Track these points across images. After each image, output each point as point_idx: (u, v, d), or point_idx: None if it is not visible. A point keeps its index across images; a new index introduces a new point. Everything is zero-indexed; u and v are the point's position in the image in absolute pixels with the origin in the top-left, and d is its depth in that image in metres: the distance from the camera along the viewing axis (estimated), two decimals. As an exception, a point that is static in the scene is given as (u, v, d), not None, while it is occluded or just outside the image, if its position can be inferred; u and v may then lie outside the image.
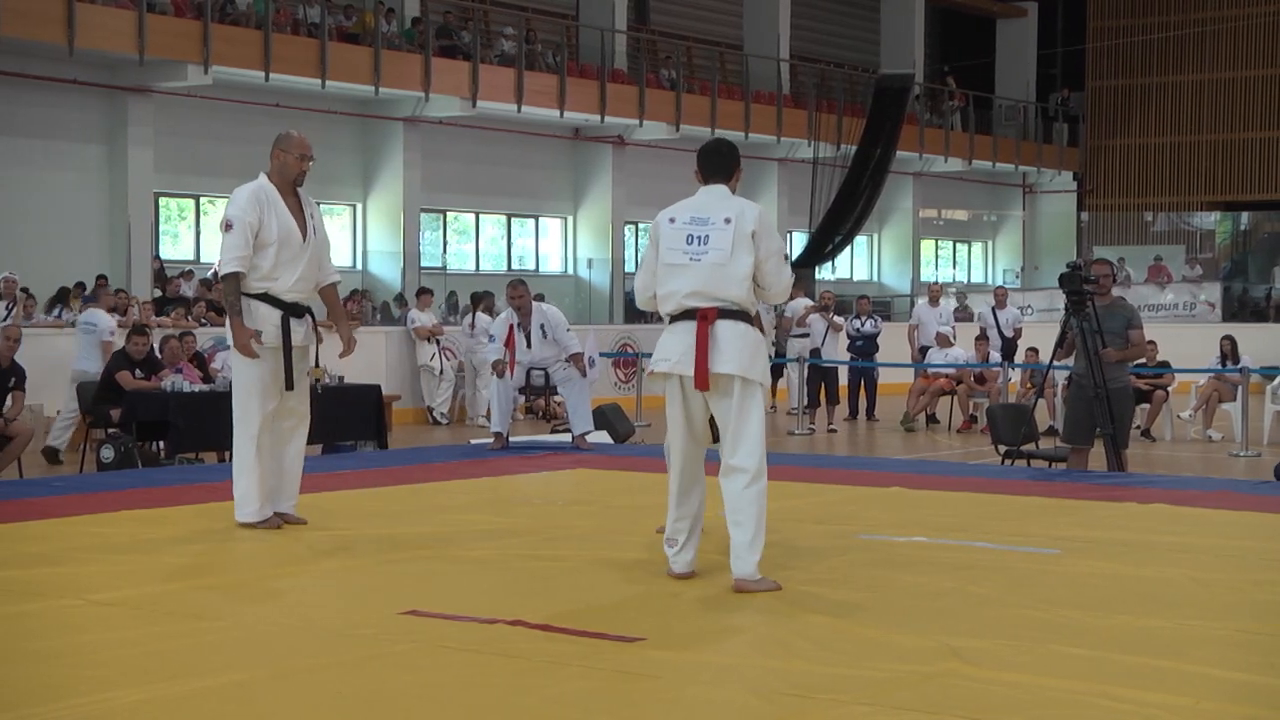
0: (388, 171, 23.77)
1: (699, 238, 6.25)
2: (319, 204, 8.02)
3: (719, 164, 6.45)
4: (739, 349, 6.17)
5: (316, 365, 7.80)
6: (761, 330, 6.38)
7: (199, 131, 21.29)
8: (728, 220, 6.24)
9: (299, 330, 7.68)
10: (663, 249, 6.33)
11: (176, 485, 9.73)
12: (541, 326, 12.34)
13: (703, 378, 6.16)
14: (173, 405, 12.73)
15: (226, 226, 7.50)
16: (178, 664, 4.98)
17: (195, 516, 8.26)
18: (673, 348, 6.28)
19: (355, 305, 20.05)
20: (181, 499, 8.98)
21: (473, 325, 19.32)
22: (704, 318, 6.17)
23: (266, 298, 7.59)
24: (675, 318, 6.31)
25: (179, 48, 19.80)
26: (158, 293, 19.40)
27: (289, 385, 7.64)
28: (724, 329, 6.18)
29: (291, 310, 7.62)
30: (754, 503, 6.17)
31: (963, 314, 25.37)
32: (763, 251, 6.24)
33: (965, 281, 35.89)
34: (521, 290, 12.47)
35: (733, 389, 6.19)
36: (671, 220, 6.35)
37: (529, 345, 12.30)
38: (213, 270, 19.96)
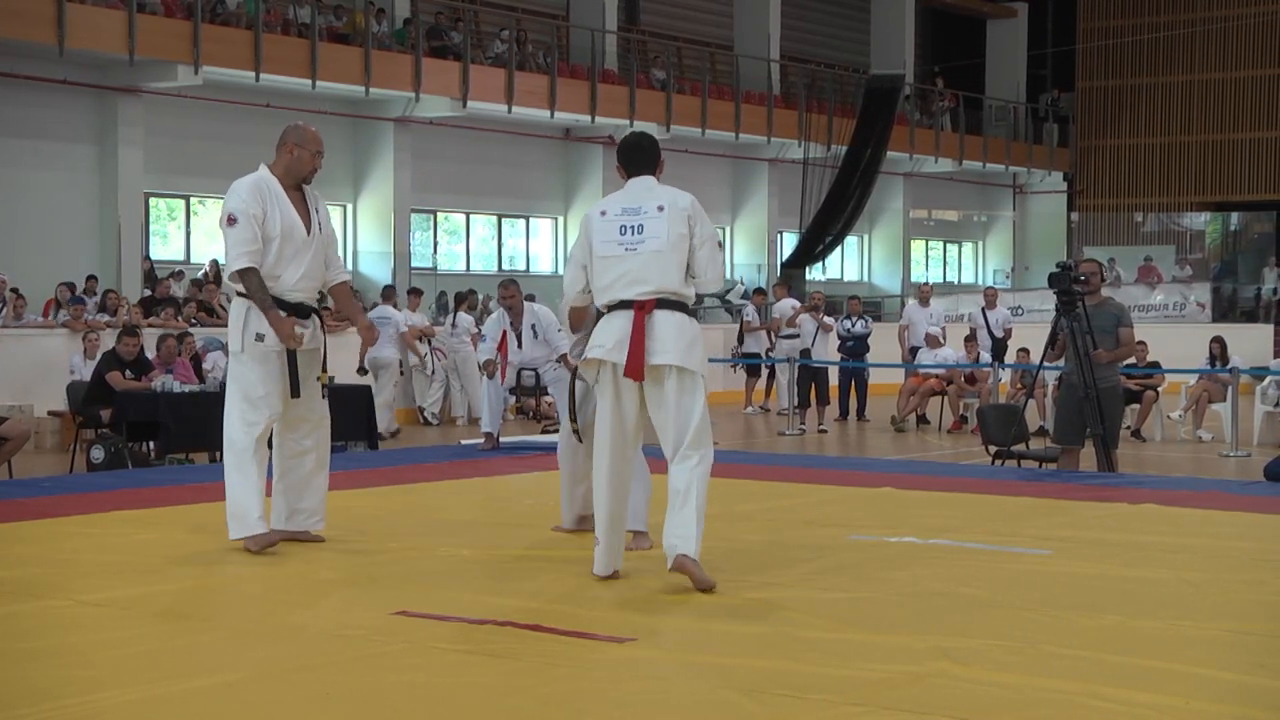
0: (378, 172, 23.77)
1: (632, 228, 6.21)
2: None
3: (642, 157, 6.42)
4: (676, 339, 6.11)
5: (324, 370, 7.28)
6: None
7: (189, 132, 21.26)
8: (660, 208, 6.20)
9: (303, 331, 7.17)
10: (596, 243, 6.27)
11: (167, 486, 9.72)
12: (533, 327, 12.35)
13: (636, 367, 6.09)
14: (163, 406, 12.72)
15: (230, 221, 7.04)
16: (168, 664, 4.98)
17: (185, 517, 8.25)
18: (607, 336, 6.20)
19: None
20: (172, 499, 8.98)
21: (454, 324, 19.35)
22: (641, 308, 6.12)
23: (270, 299, 7.15)
24: (611, 308, 6.24)
25: (169, 48, 19.78)
26: (147, 293, 19.36)
27: (294, 392, 7.11)
28: (661, 319, 6.13)
29: (295, 311, 7.14)
30: (701, 483, 6.11)
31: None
32: (697, 238, 6.20)
33: (955, 282, 35.93)
34: (513, 290, 12.48)
35: (669, 379, 6.12)
36: (602, 213, 6.31)
37: (520, 345, 12.31)
38: (205, 267, 19.98)
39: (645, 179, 6.35)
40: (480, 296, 21.17)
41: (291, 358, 7.08)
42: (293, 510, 7.29)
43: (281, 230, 7.07)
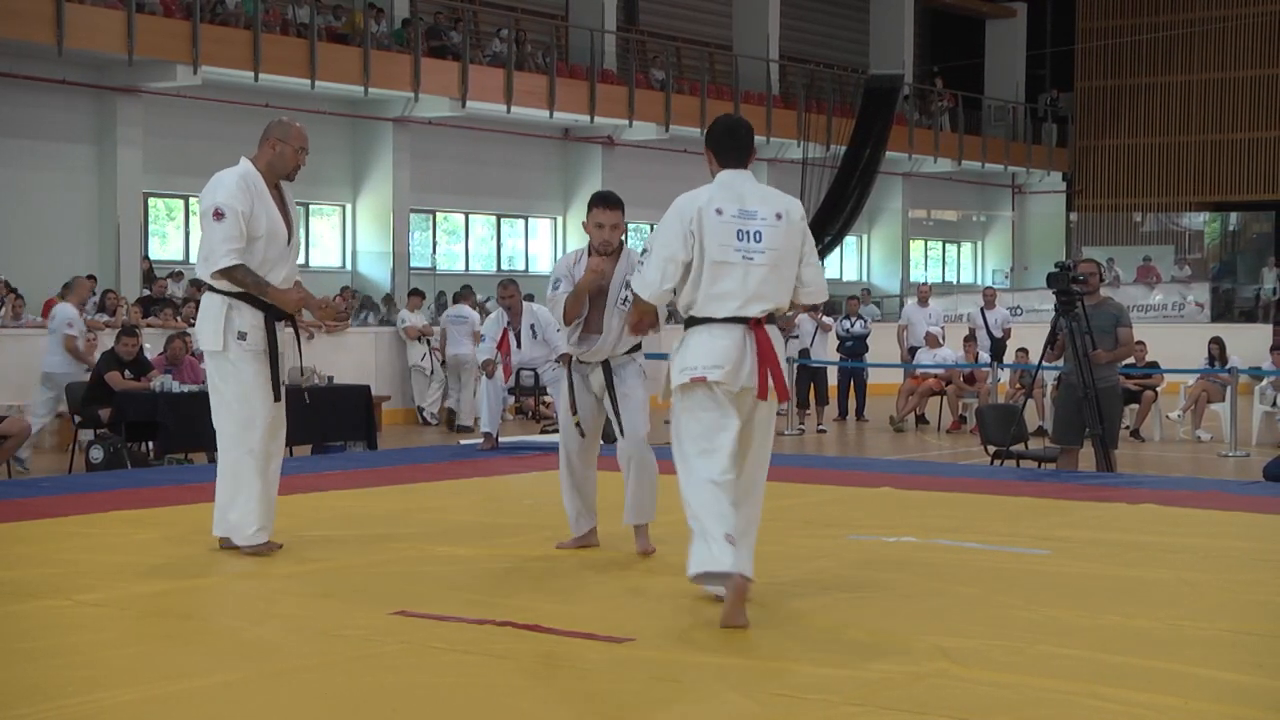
0: (377, 172, 23.75)
1: (750, 234, 5.64)
2: (305, 204, 7.83)
3: (738, 147, 5.87)
4: (782, 359, 5.77)
5: (301, 368, 7.34)
6: None
7: (188, 131, 21.24)
8: (779, 216, 5.70)
9: (282, 335, 7.07)
10: (711, 244, 5.61)
11: (165, 486, 9.72)
12: (531, 326, 12.40)
13: (778, 386, 5.67)
14: (162, 406, 12.72)
15: (217, 215, 6.72)
16: (166, 664, 4.98)
17: (184, 517, 8.24)
18: (717, 354, 5.60)
19: (343, 302, 19.99)
20: (170, 499, 8.98)
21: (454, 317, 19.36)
22: (758, 324, 5.64)
23: (250, 298, 6.88)
24: (712, 320, 5.66)
25: (168, 48, 19.76)
26: (145, 293, 19.35)
27: (277, 394, 6.93)
28: (775, 338, 5.73)
29: (275, 313, 6.94)
30: (757, 520, 5.80)
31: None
32: (807, 248, 5.81)
33: (955, 282, 35.93)
34: (512, 290, 12.53)
35: (762, 406, 5.72)
36: (718, 211, 5.65)
37: (519, 345, 12.34)
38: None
39: (742, 173, 5.79)
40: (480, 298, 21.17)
41: (274, 360, 6.90)
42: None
43: (267, 230, 6.82)
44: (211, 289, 6.93)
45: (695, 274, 5.63)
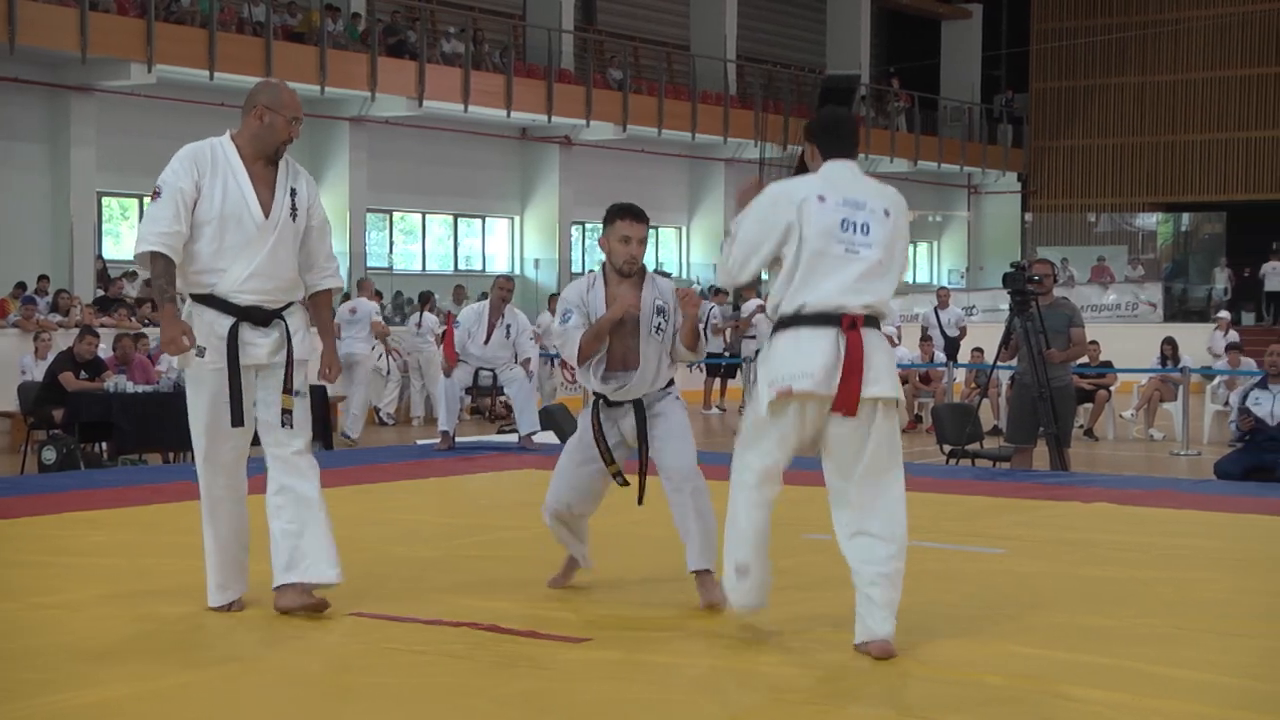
0: (333, 171, 23.66)
1: (857, 225, 5.09)
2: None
3: (845, 139, 5.29)
4: (888, 366, 5.13)
5: (288, 391, 5.62)
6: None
7: (143, 130, 21.10)
8: (887, 213, 5.16)
9: (260, 344, 5.60)
10: (811, 232, 5.03)
11: (120, 487, 9.65)
12: (508, 327, 12.49)
13: (851, 398, 5.00)
14: (116, 406, 12.64)
15: (154, 194, 5.60)
16: (122, 666, 4.95)
17: (139, 518, 8.20)
18: (810, 361, 5.01)
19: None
20: (125, 500, 8.92)
21: (419, 324, 19.37)
22: (853, 325, 5.03)
23: (210, 299, 5.59)
24: (807, 318, 5.07)
25: (122, 46, 19.64)
26: (100, 293, 19.23)
27: (235, 419, 5.58)
28: (873, 341, 5.08)
29: (247, 316, 5.59)
30: (897, 582, 5.11)
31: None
32: (903, 252, 5.30)
33: (911, 281, 36.06)
34: (511, 285, 12.80)
35: (875, 415, 5.09)
36: (821, 198, 5.08)
37: (487, 340, 12.38)
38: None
39: (850, 164, 5.24)
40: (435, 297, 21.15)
41: (234, 377, 5.57)
42: (290, 560, 5.67)
43: (223, 212, 5.56)
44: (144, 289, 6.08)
45: (790, 268, 5.08)
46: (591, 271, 6.29)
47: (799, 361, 5.01)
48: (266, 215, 5.60)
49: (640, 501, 6.18)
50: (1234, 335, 22.34)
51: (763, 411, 5.12)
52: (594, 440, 6.09)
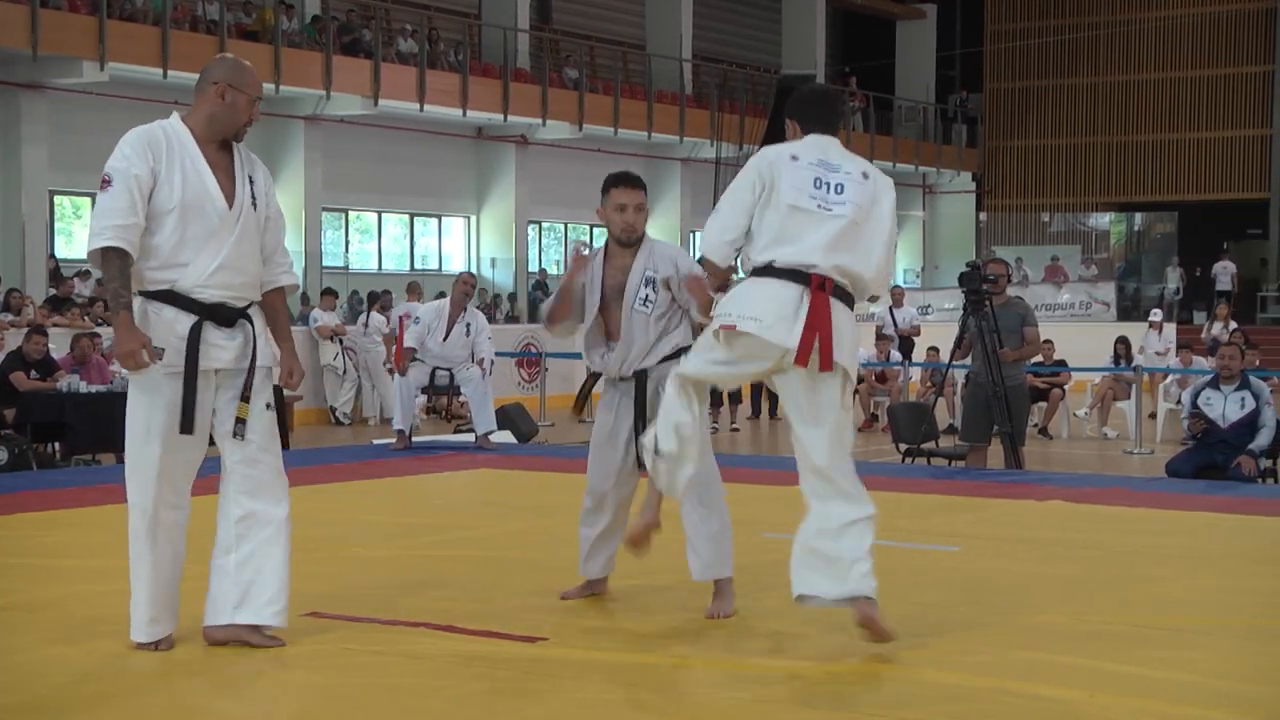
0: (289, 170, 23.53)
1: (831, 185, 5.01)
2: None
3: (829, 114, 5.25)
4: (849, 337, 5.02)
5: (245, 398, 5.12)
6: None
7: (95, 128, 20.86)
8: (865, 175, 5.10)
9: (226, 346, 5.11)
10: (783, 186, 4.98)
11: (74, 487, 9.59)
12: (468, 325, 12.47)
13: (809, 352, 4.90)
14: (68, 406, 12.56)
15: (104, 183, 4.99)
16: (78, 668, 4.92)
17: (92, 518, 8.15)
18: (763, 308, 4.93)
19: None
20: (78, 501, 8.86)
21: (366, 324, 19.32)
22: (821, 286, 4.93)
23: (171, 296, 5.05)
24: (775, 272, 4.99)
25: (74, 43, 19.49)
26: (52, 292, 19.08)
27: (185, 426, 5.03)
28: (837, 309, 4.98)
29: (212, 315, 5.08)
30: (864, 536, 5.09)
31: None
32: (891, 230, 5.16)
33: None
34: (473, 281, 12.89)
35: (828, 384, 5.01)
36: (794, 158, 5.04)
37: (445, 338, 12.36)
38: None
39: (829, 137, 5.18)
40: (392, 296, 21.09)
41: (189, 382, 5.03)
42: (218, 598, 5.21)
43: (184, 200, 5.02)
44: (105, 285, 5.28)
45: (760, 220, 5.02)
46: (600, 247, 6.11)
47: (752, 305, 4.96)
48: (230, 204, 5.08)
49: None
50: (1170, 334, 22.68)
51: (707, 337, 5.14)
52: (611, 414, 5.93)
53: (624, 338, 5.87)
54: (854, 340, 5.07)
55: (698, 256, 5.37)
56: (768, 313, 4.92)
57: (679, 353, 5.79)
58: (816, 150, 5.10)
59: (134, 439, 5.10)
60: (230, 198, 5.09)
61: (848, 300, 5.05)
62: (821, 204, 4.99)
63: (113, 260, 4.93)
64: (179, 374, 5.02)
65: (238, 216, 5.09)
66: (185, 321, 5.03)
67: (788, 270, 4.96)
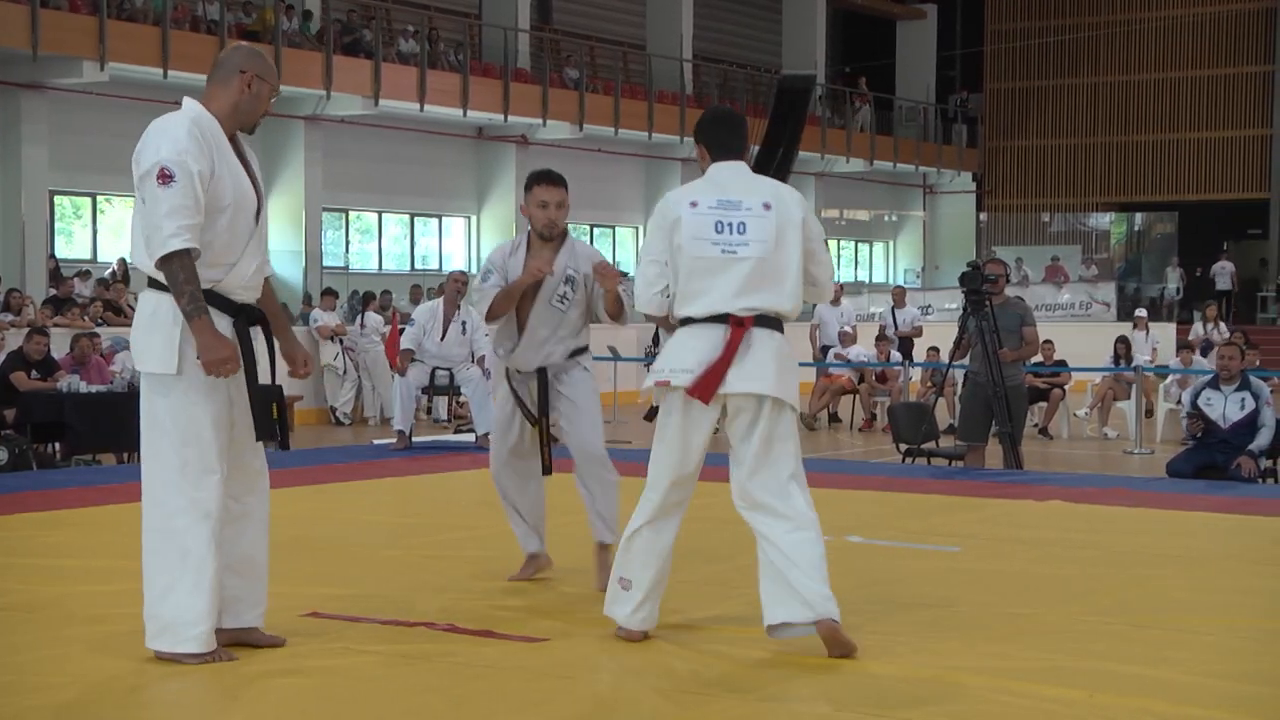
0: (289, 170, 23.54)
1: (731, 225, 5.10)
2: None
3: (730, 137, 5.31)
4: (773, 364, 5.10)
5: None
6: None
7: (95, 128, 20.94)
8: (767, 206, 5.13)
9: (262, 354, 5.07)
10: (685, 238, 5.09)
11: (74, 487, 9.59)
12: (463, 324, 12.49)
13: (708, 386, 5.05)
14: (69, 407, 12.55)
15: (163, 177, 4.69)
16: (79, 669, 4.92)
17: (93, 519, 8.15)
18: (689, 356, 5.10)
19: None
20: (79, 501, 8.86)
21: (363, 324, 19.32)
22: (740, 324, 5.07)
23: (213, 297, 4.83)
24: (696, 321, 5.14)
25: (74, 43, 19.48)
26: (52, 292, 19.08)
27: (261, 433, 4.95)
28: (760, 339, 5.09)
29: (242, 315, 4.95)
30: (813, 547, 5.15)
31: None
32: (813, 241, 5.22)
33: (867, 281, 36.20)
34: (465, 279, 12.83)
35: (759, 412, 5.11)
36: (693, 205, 5.13)
37: (443, 338, 12.38)
38: (112, 266, 19.69)
39: (736, 164, 5.25)
40: (392, 296, 21.10)
41: (252, 382, 4.94)
42: (231, 600, 5.05)
43: (234, 198, 4.84)
44: (155, 284, 4.86)
45: (674, 271, 5.14)
46: (515, 238, 6.40)
47: (682, 358, 5.12)
48: (259, 202, 4.95)
49: (546, 472, 6.35)
50: (1157, 334, 22.75)
51: (655, 398, 5.27)
52: (510, 395, 6.23)
53: (529, 332, 6.16)
54: (782, 365, 5.14)
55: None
56: (697, 363, 5.08)
57: (577, 353, 6.24)
58: (715, 190, 5.18)
59: (198, 448, 4.84)
60: (258, 196, 4.98)
61: (776, 325, 5.17)
62: (725, 248, 5.10)
63: (186, 262, 4.71)
64: (235, 379, 4.88)
65: (262, 211, 4.99)
66: (225, 322, 4.86)
67: (706, 317, 5.12)
